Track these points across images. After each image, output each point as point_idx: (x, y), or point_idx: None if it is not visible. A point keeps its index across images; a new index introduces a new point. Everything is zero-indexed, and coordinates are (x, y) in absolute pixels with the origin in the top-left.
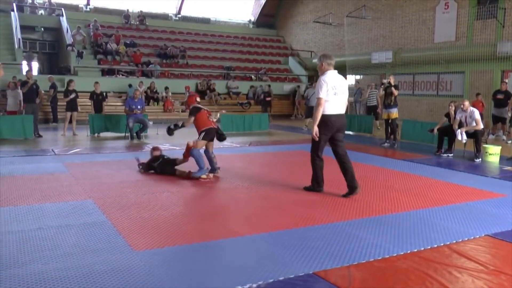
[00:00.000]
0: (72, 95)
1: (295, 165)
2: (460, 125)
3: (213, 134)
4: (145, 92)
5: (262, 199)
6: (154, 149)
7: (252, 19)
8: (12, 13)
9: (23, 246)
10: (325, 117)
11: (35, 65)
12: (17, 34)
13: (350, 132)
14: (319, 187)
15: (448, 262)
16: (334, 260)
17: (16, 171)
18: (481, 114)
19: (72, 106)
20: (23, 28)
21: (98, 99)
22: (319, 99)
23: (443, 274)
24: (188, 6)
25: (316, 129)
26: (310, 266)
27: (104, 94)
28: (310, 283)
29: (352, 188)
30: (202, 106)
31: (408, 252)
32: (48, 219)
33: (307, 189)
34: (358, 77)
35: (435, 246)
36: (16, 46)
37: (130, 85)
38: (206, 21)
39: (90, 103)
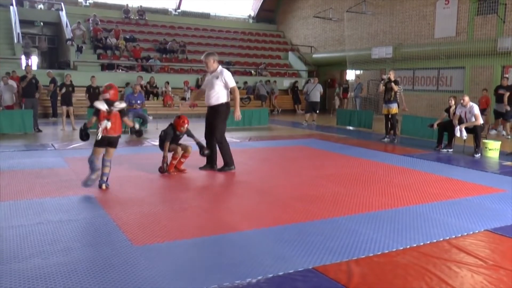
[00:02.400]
0: (63, 90)
1: (295, 160)
2: (460, 121)
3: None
4: (145, 87)
5: (261, 194)
6: (182, 121)
7: (252, 14)
8: (11, 7)
9: (24, 240)
10: (227, 105)
11: (35, 60)
12: (16, 28)
13: (350, 127)
14: (233, 164)
15: (447, 257)
16: (334, 255)
17: (16, 166)
18: (485, 110)
19: (65, 100)
20: (23, 22)
21: (94, 92)
22: (235, 87)
23: (442, 269)
24: (187, 1)
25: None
26: (310, 261)
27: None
28: (309, 278)
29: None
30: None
31: (408, 247)
32: (48, 213)
33: (221, 170)
34: (358, 72)
35: (435, 241)
36: (15, 41)
37: (127, 84)
38: (206, 16)
39: (85, 97)
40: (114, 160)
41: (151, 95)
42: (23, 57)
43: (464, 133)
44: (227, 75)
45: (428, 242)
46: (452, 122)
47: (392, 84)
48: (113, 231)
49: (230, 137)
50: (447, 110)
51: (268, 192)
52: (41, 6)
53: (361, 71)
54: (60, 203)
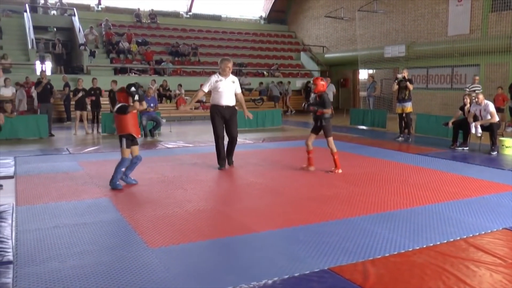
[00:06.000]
0: (80, 94)
1: None
2: (475, 119)
3: None
4: (158, 90)
5: (276, 195)
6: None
7: (263, 15)
8: (25, 14)
9: (40, 244)
10: None
11: (49, 65)
12: (30, 34)
13: (364, 127)
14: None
15: (464, 256)
16: (349, 255)
17: (32, 170)
18: (500, 108)
19: (80, 105)
20: (36, 28)
21: (114, 97)
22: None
23: (459, 268)
24: (199, 4)
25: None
26: (325, 262)
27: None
28: (325, 279)
29: None
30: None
31: (424, 246)
32: (64, 217)
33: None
34: (370, 71)
35: (451, 240)
36: (30, 47)
37: (140, 87)
38: (217, 18)
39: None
40: None
41: (164, 98)
42: (37, 62)
43: (479, 130)
44: (238, 82)
45: (445, 241)
46: (467, 120)
47: (407, 83)
48: (129, 233)
49: (244, 138)
50: (462, 108)
51: (282, 193)
52: (54, 12)
53: (374, 70)
54: (75, 207)
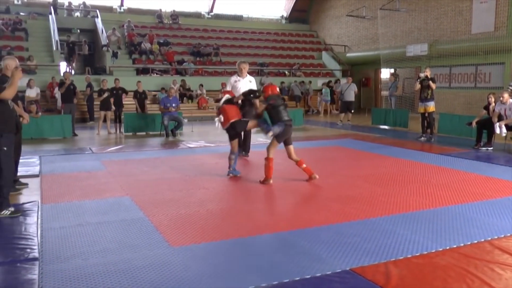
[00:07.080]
0: (105, 94)
1: (330, 160)
2: (500, 118)
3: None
4: (179, 90)
5: (297, 195)
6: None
7: (285, 15)
8: (50, 16)
9: (65, 241)
10: None
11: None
12: (55, 36)
13: (386, 127)
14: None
15: (489, 258)
16: (371, 256)
17: (57, 169)
18: None
19: (105, 105)
20: (60, 30)
21: (141, 97)
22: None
23: (484, 271)
24: (220, 4)
25: None
26: (347, 263)
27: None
28: (347, 280)
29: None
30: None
31: (447, 248)
32: (88, 215)
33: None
34: (392, 70)
35: (476, 242)
36: (54, 48)
37: (162, 88)
38: (238, 18)
39: (134, 102)
40: (149, 162)
41: (184, 97)
42: (61, 63)
43: (504, 130)
44: (255, 82)
45: (469, 243)
46: (491, 119)
47: (430, 82)
48: (151, 232)
49: (265, 138)
50: (486, 108)
51: (304, 193)
52: (77, 13)
53: (396, 69)
54: (98, 205)
